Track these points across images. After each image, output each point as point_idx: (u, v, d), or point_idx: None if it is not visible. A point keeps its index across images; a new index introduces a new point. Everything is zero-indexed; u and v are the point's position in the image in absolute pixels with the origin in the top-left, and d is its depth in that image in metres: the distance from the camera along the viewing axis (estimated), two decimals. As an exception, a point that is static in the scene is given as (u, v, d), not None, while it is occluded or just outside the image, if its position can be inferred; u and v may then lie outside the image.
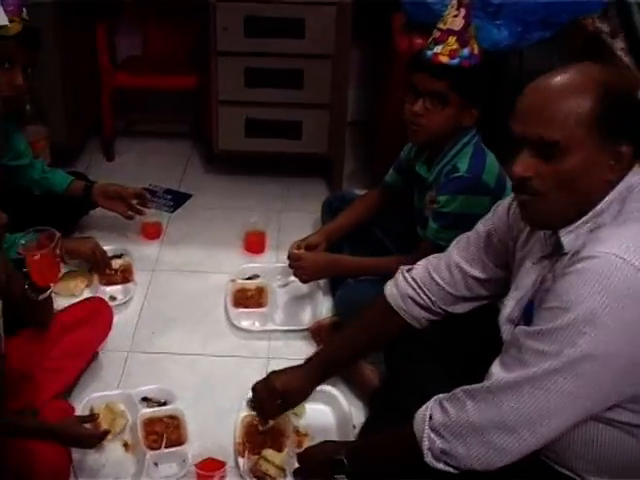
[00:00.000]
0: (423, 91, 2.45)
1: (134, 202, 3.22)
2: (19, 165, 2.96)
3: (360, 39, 3.77)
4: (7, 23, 1.41)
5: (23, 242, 2.21)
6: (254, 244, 3.35)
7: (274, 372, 2.30)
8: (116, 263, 3.19)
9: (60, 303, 2.90)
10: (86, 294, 3.04)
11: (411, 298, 2.11)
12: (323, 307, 3.00)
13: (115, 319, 2.80)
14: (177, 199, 3.76)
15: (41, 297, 2.30)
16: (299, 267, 2.85)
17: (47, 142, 3.47)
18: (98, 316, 2.71)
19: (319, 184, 3.89)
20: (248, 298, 3.05)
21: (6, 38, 2.48)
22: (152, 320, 2.99)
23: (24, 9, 2.55)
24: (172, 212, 3.66)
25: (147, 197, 3.28)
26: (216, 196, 3.79)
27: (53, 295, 2.92)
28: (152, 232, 3.45)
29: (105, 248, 3.15)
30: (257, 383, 2.32)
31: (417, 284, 2.10)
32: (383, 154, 3.36)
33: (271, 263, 3.27)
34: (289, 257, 2.88)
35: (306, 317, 3.00)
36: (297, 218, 3.59)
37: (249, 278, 3.15)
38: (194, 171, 4.00)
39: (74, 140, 3.79)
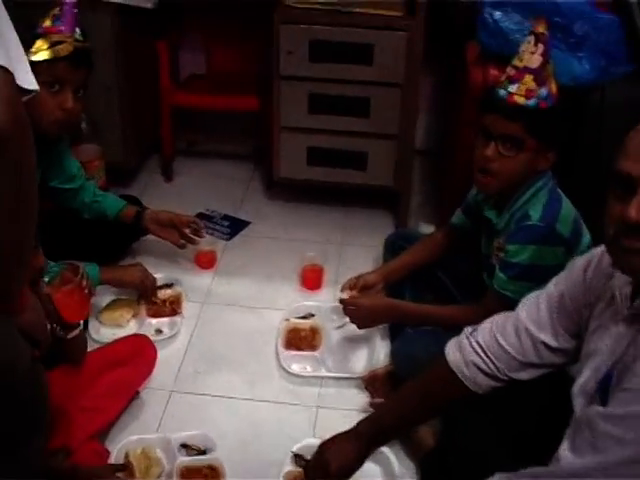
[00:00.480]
0: (495, 133, 2.26)
1: (187, 231, 3.10)
2: (69, 188, 2.86)
3: (432, 65, 3.61)
4: (37, 88, 1.31)
5: (46, 279, 2.10)
6: (311, 280, 3.20)
7: (325, 446, 2.06)
8: (165, 293, 3.06)
9: (104, 333, 2.85)
10: (132, 325, 2.94)
11: (476, 365, 1.91)
12: (380, 354, 2.81)
13: (159, 354, 2.68)
14: (235, 226, 3.61)
15: (70, 335, 2.20)
16: (353, 315, 2.68)
17: (102, 162, 3.40)
18: (141, 356, 2.59)
19: (383, 216, 3.71)
20: (301, 339, 2.88)
21: (56, 60, 2.40)
22: (198, 358, 2.85)
23: (77, 29, 2.46)
24: (228, 240, 3.52)
25: (201, 226, 3.16)
26: (274, 224, 3.64)
27: (98, 325, 2.87)
28: (206, 261, 3.31)
29: (155, 276, 3.04)
30: (309, 462, 2.12)
31: (482, 349, 1.91)
32: (453, 188, 3.18)
33: (327, 301, 3.08)
34: (341, 301, 2.72)
35: (361, 363, 2.82)
36: (358, 252, 3.43)
37: (303, 317, 2.98)
38: (254, 196, 3.86)
39: (131, 160, 3.69)
